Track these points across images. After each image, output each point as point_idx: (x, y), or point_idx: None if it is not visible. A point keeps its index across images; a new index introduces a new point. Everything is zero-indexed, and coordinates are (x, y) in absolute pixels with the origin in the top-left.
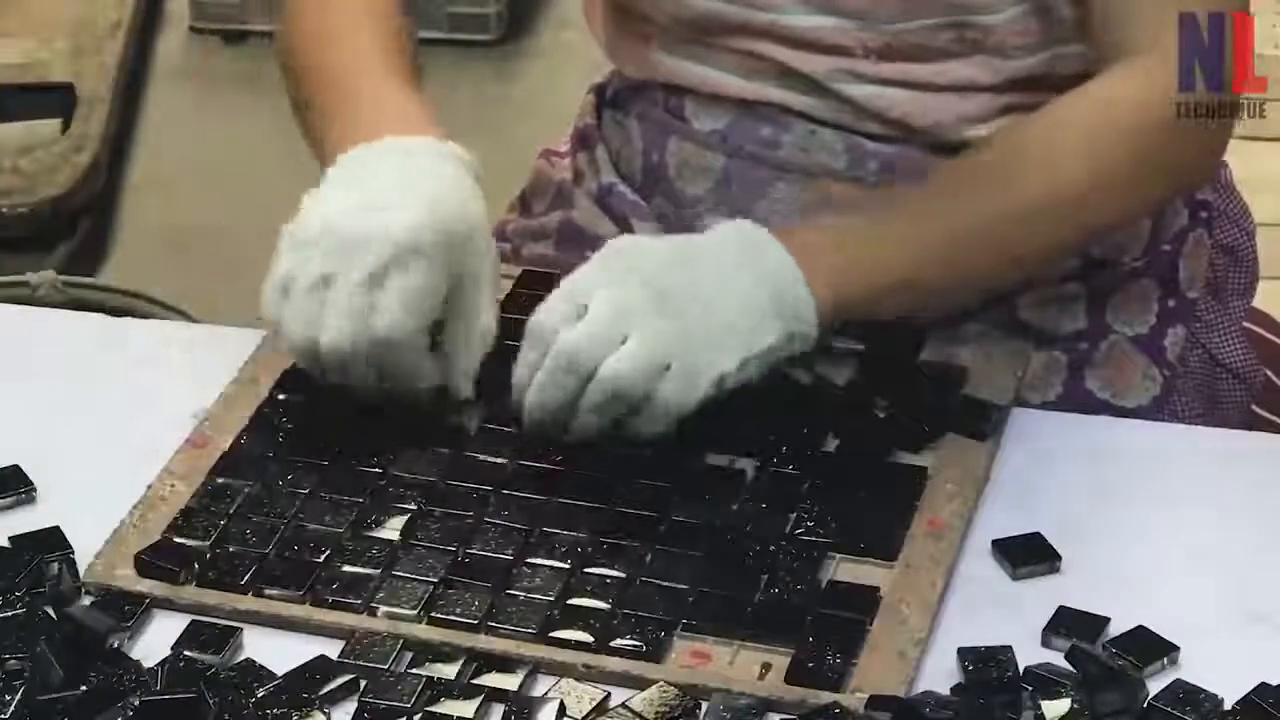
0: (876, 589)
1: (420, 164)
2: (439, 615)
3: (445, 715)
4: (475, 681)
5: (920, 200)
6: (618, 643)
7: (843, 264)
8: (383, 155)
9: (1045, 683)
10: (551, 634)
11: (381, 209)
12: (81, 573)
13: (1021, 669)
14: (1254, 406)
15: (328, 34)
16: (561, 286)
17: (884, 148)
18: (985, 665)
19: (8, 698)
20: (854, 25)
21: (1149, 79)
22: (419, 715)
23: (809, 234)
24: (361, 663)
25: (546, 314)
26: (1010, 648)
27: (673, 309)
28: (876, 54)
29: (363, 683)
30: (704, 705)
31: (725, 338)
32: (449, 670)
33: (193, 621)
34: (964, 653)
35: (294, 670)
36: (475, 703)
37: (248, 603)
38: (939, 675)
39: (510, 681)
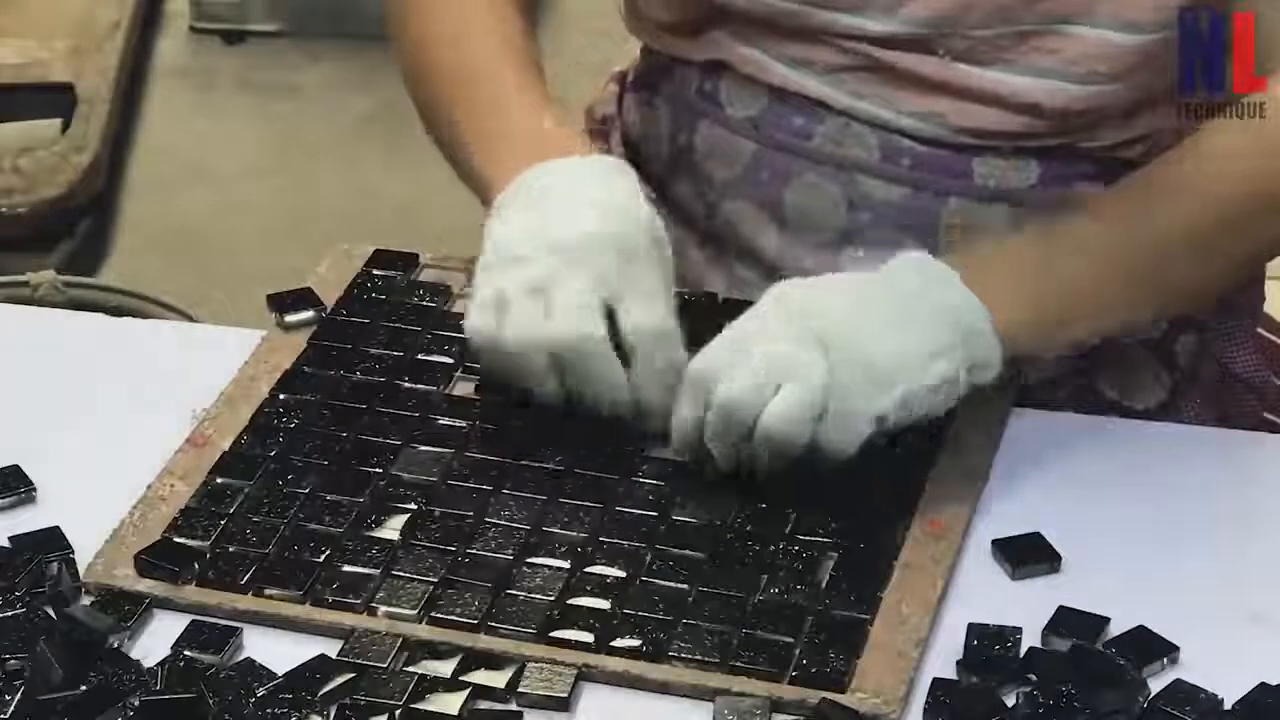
0: (877, 589)
1: (595, 176)
2: (439, 615)
3: (429, 711)
4: (462, 678)
5: (1089, 230)
6: (618, 643)
7: (1023, 293)
8: (555, 174)
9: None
10: (551, 634)
11: (581, 222)
12: (81, 573)
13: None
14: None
15: (461, 36)
16: (725, 334)
17: (918, 146)
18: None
19: (8, 698)
20: (934, 31)
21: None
22: (400, 710)
23: (987, 262)
24: (360, 662)
25: (707, 362)
26: (1020, 629)
27: (832, 354)
28: (955, 56)
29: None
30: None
31: (884, 379)
32: (445, 669)
33: (193, 621)
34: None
35: (294, 670)
36: (461, 697)
37: (248, 603)
38: (939, 674)
39: (499, 679)
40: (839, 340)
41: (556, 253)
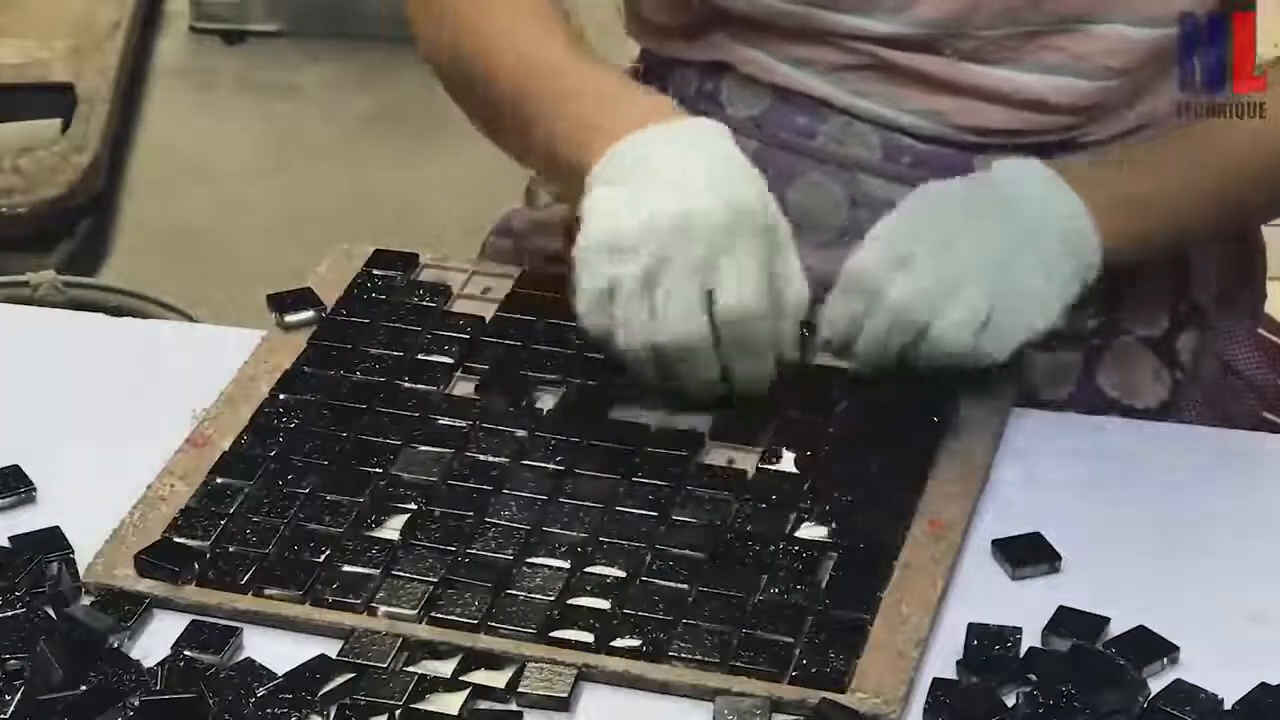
0: (877, 589)
1: (696, 144)
2: (439, 615)
3: (429, 711)
4: (462, 678)
5: (1178, 146)
6: (618, 643)
7: (1120, 201)
8: (652, 143)
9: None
10: (551, 634)
11: (684, 197)
12: (81, 573)
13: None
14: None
15: (510, 30)
16: (879, 232)
17: (918, 144)
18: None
19: (8, 698)
20: (944, 31)
21: None
22: (400, 710)
23: (1087, 170)
24: (360, 662)
25: (869, 262)
26: (1020, 629)
27: (993, 270)
28: (963, 55)
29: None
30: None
31: (1036, 297)
32: (445, 668)
33: (193, 621)
34: (972, 628)
35: (294, 670)
36: (461, 697)
37: (248, 603)
38: (939, 674)
39: (499, 679)
40: (996, 259)
41: (657, 238)
